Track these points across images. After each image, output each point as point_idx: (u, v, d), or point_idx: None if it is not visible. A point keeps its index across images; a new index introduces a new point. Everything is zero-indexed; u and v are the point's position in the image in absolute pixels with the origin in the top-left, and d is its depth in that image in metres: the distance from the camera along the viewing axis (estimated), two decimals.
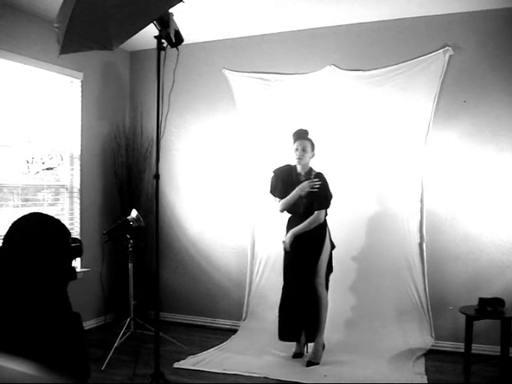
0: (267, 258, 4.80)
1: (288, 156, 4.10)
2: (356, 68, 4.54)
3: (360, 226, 4.48)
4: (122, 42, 2.59)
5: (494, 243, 4.13)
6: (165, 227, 5.15)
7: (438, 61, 4.26)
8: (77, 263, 4.68)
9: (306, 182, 3.93)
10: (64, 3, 2.52)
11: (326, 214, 3.99)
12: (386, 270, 4.40)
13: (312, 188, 3.90)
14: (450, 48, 4.22)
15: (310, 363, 3.89)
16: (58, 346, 1.51)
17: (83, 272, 4.66)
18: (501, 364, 3.63)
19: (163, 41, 2.75)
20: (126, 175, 5.18)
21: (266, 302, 4.71)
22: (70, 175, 4.83)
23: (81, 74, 4.81)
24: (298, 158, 3.96)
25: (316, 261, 3.92)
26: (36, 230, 1.62)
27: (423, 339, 4.21)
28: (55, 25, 2.58)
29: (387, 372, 3.72)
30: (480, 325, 3.79)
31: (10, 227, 1.63)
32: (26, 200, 4.39)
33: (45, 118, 4.55)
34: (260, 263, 4.87)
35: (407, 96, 4.37)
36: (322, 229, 3.95)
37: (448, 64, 4.25)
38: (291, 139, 4.02)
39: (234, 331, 4.75)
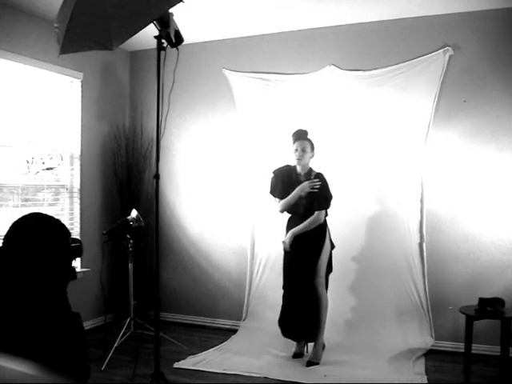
0: (267, 258, 4.80)
1: (288, 156, 4.09)
2: (356, 68, 4.54)
3: (360, 225, 4.48)
4: (122, 42, 2.59)
5: (493, 243, 4.13)
6: (165, 227, 5.15)
7: (438, 61, 4.26)
8: (77, 263, 4.68)
9: (307, 183, 3.93)
10: (64, 3, 2.52)
11: (326, 215, 3.99)
12: (386, 270, 4.40)
13: (312, 188, 3.90)
14: (450, 48, 4.22)
15: (309, 363, 3.89)
16: (58, 346, 1.51)
17: (83, 272, 4.66)
18: (501, 364, 3.63)
19: (163, 41, 2.75)
20: (126, 175, 5.18)
21: (265, 302, 4.71)
22: (70, 175, 4.83)
23: (81, 74, 4.81)
24: (298, 159, 3.96)
25: (316, 261, 3.92)
26: (36, 230, 1.62)
27: (423, 339, 4.21)
28: (55, 25, 2.58)
29: (387, 372, 3.72)
30: (480, 325, 3.79)
31: (11, 227, 1.63)
32: (26, 200, 4.39)
33: (45, 117, 4.55)
34: (260, 263, 4.87)
35: (407, 96, 4.37)
36: (321, 229, 3.95)
37: (448, 64, 4.25)
38: (291, 139, 4.02)
39: (234, 331, 4.75)
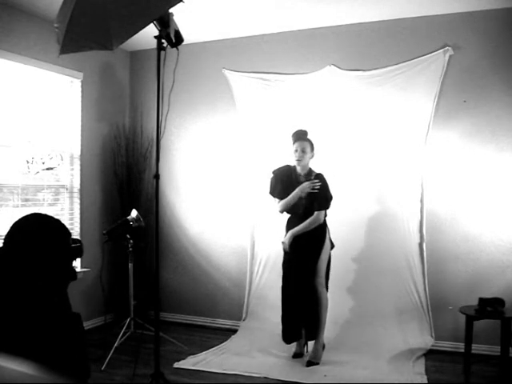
0: (267, 258, 4.80)
1: (288, 156, 4.09)
2: (356, 68, 4.54)
3: (360, 225, 4.48)
4: (122, 42, 2.59)
5: (493, 243, 4.13)
6: (165, 227, 5.15)
7: (438, 61, 4.26)
8: (77, 263, 4.68)
9: (307, 183, 3.93)
10: (64, 3, 2.52)
11: (326, 215, 3.99)
12: (386, 270, 4.40)
13: (312, 189, 3.90)
14: (450, 48, 4.22)
15: (309, 363, 3.89)
16: (58, 346, 1.51)
17: (83, 272, 4.66)
18: (501, 364, 3.63)
19: (163, 41, 2.75)
20: (126, 175, 5.18)
21: (265, 302, 4.71)
22: (70, 175, 4.83)
23: (81, 74, 4.81)
24: (298, 160, 3.96)
25: (316, 261, 3.92)
26: (36, 230, 1.62)
27: (423, 339, 4.21)
28: (55, 25, 2.58)
29: (387, 372, 3.72)
30: (480, 325, 3.79)
31: (11, 228, 1.63)
32: (26, 200, 4.39)
33: (45, 118, 4.55)
34: (260, 263, 4.87)
35: (407, 96, 4.37)
36: (321, 229, 3.95)
37: (448, 64, 4.25)
38: (291, 140, 4.02)
39: (234, 331, 4.75)
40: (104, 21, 2.42)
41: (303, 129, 4.04)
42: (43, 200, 4.58)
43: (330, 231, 4.03)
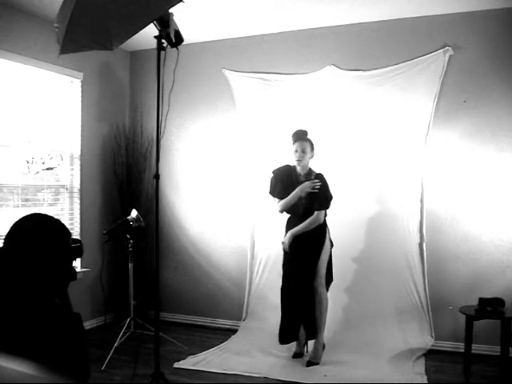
0: (267, 258, 4.80)
1: (288, 156, 4.09)
2: (356, 68, 4.54)
3: (360, 226, 4.48)
4: (122, 42, 2.59)
5: (493, 243, 4.13)
6: (165, 227, 5.15)
7: (438, 61, 4.26)
8: (77, 263, 4.68)
9: (307, 183, 3.93)
10: (64, 3, 2.52)
11: (326, 215, 3.99)
12: (386, 270, 4.40)
13: (313, 189, 3.90)
14: (450, 48, 4.22)
15: (309, 363, 3.89)
16: (58, 346, 1.51)
17: (83, 272, 4.66)
18: (501, 364, 3.63)
19: (163, 41, 2.75)
20: (126, 175, 5.18)
21: (265, 302, 4.71)
22: (70, 175, 4.83)
23: (81, 74, 4.81)
24: (298, 160, 3.96)
25: (316, 261, 3.92)
26: (36, 230, 1.62)
27: (423, 339, 4.21)
28: (55, 25, 2.58)
29: (387, 372, 3.72)
30: (480, 325, 3.79)
31: (11, 228, 1.63)
32: (26, 200, 4.39)
33: (45, 118, 4.55)
34: (260, 263, 4.87)
35: (407, 96, 4.37)
36: (321, 229, 3.95)
37: (448, 64, 4.25)
38: (291, 140, 4.02)
39: (234, 331, 4.75)
40: (104, 21, 2.42)
41: (303, 129, 4.04)
42: (43, 200, 4.58)
43: (330, 231, 4.03)
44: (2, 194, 4.20)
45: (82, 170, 4.88)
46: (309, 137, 4.02)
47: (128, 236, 4.28)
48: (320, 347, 3.96)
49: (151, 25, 2.60)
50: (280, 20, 4.55)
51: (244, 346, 4.36)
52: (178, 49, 2.83)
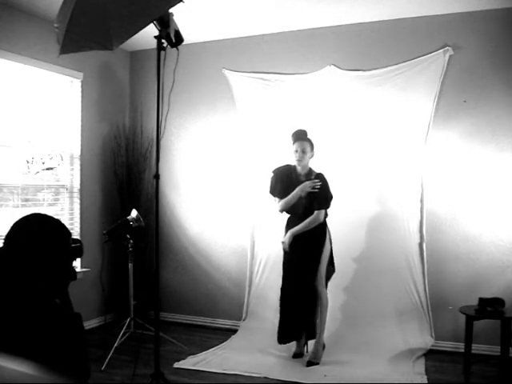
0: (267, 258, 4.80)
1: (288, 156, 4.09)
2: (356, 68, 4.54)
3: (360, 226, 4.48)
4: (122, 42, 2.59)
5: (493, 243, 4.13)
6: (165, 227, 5.15)
7: (438, 61, 4.26)
8: (77, 263, 4.68)
9: (308, 183, 3.93)
10: (64, 3, 2.52)
11: (327, 215, 3.99)
12: (386, 270, 4.40)
13: (313, 188, 3.90)
14: (450, 48, 4.22)
15: (310, 363, 3.89)
16: (59, 346, 1.51)
17: (83, 272, 4.66)
18: (501, 364, 3.63)
19: (163, 41, 2.75)
20: (126, 175, 5.18)
21: (265, 302, 4.71)
22: (70, 175, 4.83)
23: (81, 74, 4.81)
24: (298, 160, 3.96)
25: (316, 261, 3.92)
26: (36, 230, 1.62)
27: (423, 339, 4.21)
28: (55, 25, 2.58)
29: (387, 372, 3.72)
30: (480, 325, 3.79)
31: (11, 228, 1.63)
32: (26, 200, 4.39)
33: (45, 118, 4.55)
34: (260, 263, 4.87)
35: (407, 96, 4.37)
36: (321, 229, 3.95)
37: (448, 64, 4.25)
38: (290, 140, 4.02)
39: (234, 331, 4.75)
40: (104, 21, 2.42)
41: (303, 129, 4.04)
42: (43, 200, 4.58)
43: (331, 231, 4.03)
44: (1, 193, 4.20)
45: (82, 170, 4.88)
46: (309, 136, 4.02)
47: (128, 236, 4.28)
48: (320, 347, 3.96)
49: (151, 25, 2.60)
50: (280, 20, 4.55)
51: (244, 346, 4.36)
52: (177, 49, 2.83)
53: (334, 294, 4.13)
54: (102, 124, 5.13)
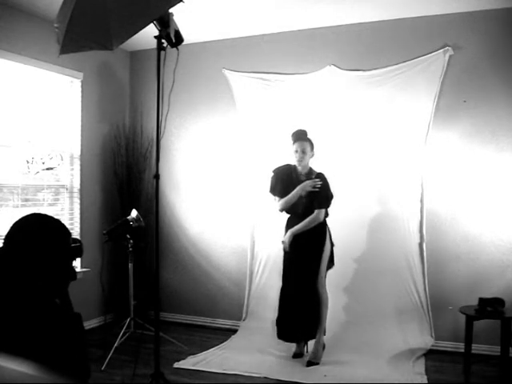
0: (267, 258, 4.80)
1: (288, 156, 4.09)
2: (356, 68, 4.54)
3: (360, 226, 4.48)
4: (122, 42, 2.59)
5: (494, 243, 4.13)
6: (165, 227, 5.15)
7: (438, 61, 4.26)
8: (77, 263, 4.68)
9: (308, 182, 3.93)
10: (64, 3, 2.52)
11: (327, 215, 3.99)
12: (386, 270, 4.40)
13: (313, 188, 3.90)
14: (450, 48, 4.22)
15: (310, 363, 3.89)
16: (59, 346, 1.51)
17: (83, 272, 4.66)
18: (501, 364, 3.63)
19: (163, 41, 2.75)
20: (126, 175, 5.18)
21: (265, 302, 4.71)
22: (70, 175, 4.83)
23: (81, 74, 4.81)
24: (298, 160, 3.96)
25: (316, 261, 3.92)
26: (36, 230, 1.62)
27: (423, 339, 4.21)
28: (55, 25, 2.58)
29: (387, 372, 3.72)
30: (480, 325, 3.79)
31: (11, 228, 1.63)
32: (26, 200, 4.39)
33: (45, 118, 4.55)
34: (260, 263, 4.87)
35: (407, 96, 4.37)
36: (322, 228, 3.95)
37: (448, 64, 4.25)
38: (290, 140, 4.02)
39: (234, 331, 4.75)
40: (104, 21, 2.42)
41: (303, 129, 4.04)
42: (43, 200, 4.58)
43: (331, 232, 4.03)
44: (1, 193, 4.20)
45: (82, 170, 4.88)
46: (309, 136, 4.02)
47: (128, 236, 4.28)
48: (320, 347, 3.96)
49: (151, 25, 2.60)
50: (280, 20, 4.55)
51: (244, 345, 4.36)
52: (177, 49, 2.83)
53: (334, 293, 4.13)
54: (101, 124, 5.13)
